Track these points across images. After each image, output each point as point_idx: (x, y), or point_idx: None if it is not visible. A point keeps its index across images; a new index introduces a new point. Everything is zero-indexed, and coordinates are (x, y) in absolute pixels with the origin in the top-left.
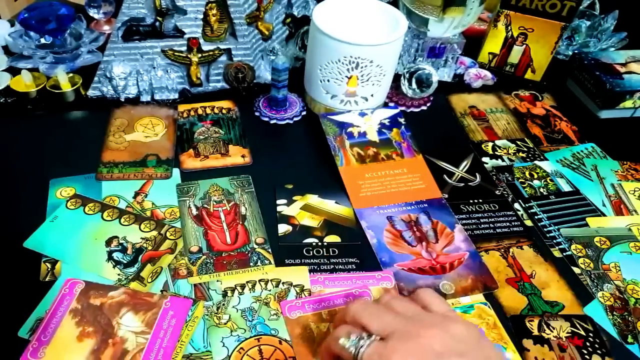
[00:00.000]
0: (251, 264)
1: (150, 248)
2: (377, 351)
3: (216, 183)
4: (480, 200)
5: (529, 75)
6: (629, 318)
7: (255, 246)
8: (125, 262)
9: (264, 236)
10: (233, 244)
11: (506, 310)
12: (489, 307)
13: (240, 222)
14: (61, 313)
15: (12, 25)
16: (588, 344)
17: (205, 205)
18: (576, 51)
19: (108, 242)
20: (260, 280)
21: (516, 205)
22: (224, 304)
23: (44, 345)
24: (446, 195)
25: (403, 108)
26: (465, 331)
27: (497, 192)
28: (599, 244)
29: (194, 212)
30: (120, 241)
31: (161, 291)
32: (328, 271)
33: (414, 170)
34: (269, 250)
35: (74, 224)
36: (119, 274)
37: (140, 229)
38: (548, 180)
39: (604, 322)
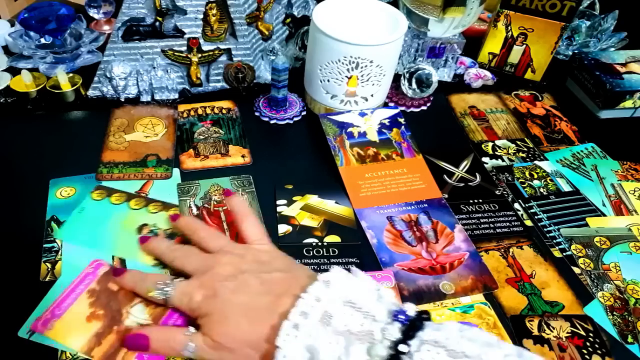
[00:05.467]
0: None
1: (180, 234)
2: (181, 290)
3: (217, 183)
4: (480, 200)
5: (529, 75)
6: (629, 318)
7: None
8: None
9: None
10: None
11: (506, 310)
12: (489, 307)
13: None
14: (80, 291)
15: (12, 25)
16: (588, 344)
17: (206, 205)
18: (576, 51)
19: (140, 230)
20: None
21: (516, 205)
22: None
23: (55, 319)
24: (446, 195)
25: (403, 108)
26: (261, 254)
27: (497, 192)
28: (599, 244)
29: (195, 211)
30: (151, 228)
31: None
32: (328, 271)
33: (414, 170)
34: (272, 245)
35: (102, 214)
36: (155, 259)
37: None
38: (548, 180)
39: (604, 322)
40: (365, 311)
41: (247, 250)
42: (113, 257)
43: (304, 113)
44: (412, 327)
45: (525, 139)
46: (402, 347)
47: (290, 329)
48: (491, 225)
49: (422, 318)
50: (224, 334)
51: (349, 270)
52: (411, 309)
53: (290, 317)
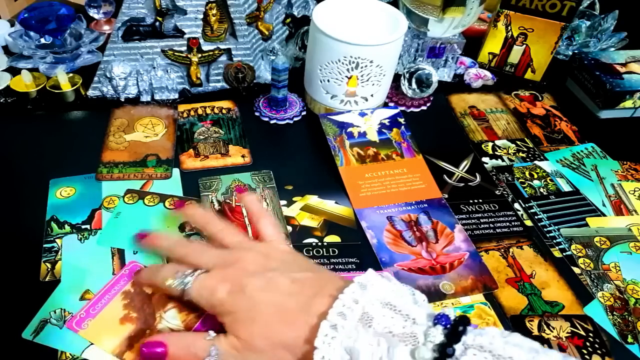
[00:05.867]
0: None
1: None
2: (201, 283)
3: (238, 178)
4: (480, 200)
5: (529, 75)
6: (629, 318)
7: None
8: (205, 242)
9: (285, 232)
10: (255, 240)
11: (506, 310)
12: (489, 307)
13: None
14: (114, 292)
15: (12, 25)
16: (588, 344)
17: (228, 201)
18: (576, 51)
19: (181, 228)
20: None
21: (516, 205)
22: None
23: (90, 318)
24: (446, 195)
25: (403, 108)
26: (283, 253)
27: (497, 192)
28: (599, 244)
29: (217, 207)
30: (193, 225)
31: None
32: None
33: (414, 170)
34: (290, 245)
35: (139, 217)
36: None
37: None
38: (548, 180)
39: (604, 322)
40: (405, 314)
41: (269, 249)
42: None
43: (304, 113)
44: (455, 331)
45: (525, 139)
46: (448, 350)
47: (328, 329)
48: (491, 225)
49: (464, 322)
50: (253, 334)
51: (349, 270)
52: (451, 313)
53: (329, 317)
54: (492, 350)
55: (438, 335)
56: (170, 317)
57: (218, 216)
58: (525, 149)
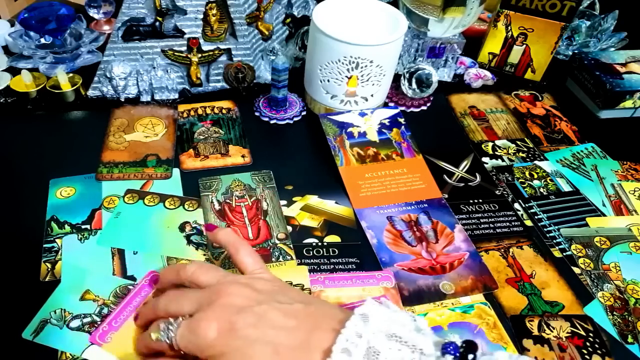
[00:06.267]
0: (273, 259)
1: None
2: (187, 328)
3: (238, 178)
4: (480, 200)
5: (529, 75)
6: (629, 318)
7: (277, 242)
8: (206, 242)
9: (286, 232)
10: (255, 239)
11: (506, 310)
12: (489, 307)
13: (262, 218)
14: (136, 303)
15: (12, 25)
16: (588, 344)
17: (228, 201)
18: (576, 51)
19: (182, 228)
20: None
21: (516, 205)
22: None
23: (113, 331)
24: (446, 195)
25: (403, 108)
26: (269, 283)
27: (497, 192)
28: (599, 244)
29: (217, 207)
30: (193, 225)
31: None
32: (328, 271)
33: (414, 170)
34: (291, 246)
35: (139, 217)
36: (204, 254)
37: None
38: (548, 180)
39: (604, 322)
40: (412, 345)
41: (252, 280)
42: (162, 257)
43: (304, 113)
44: (464, 359)
45: (525, 139)
46: None
47: None
48: (491, 225)
49: (472, 349)
50: None
51: (349, 270)
52: (457, 340)
53: (334, 355)
54: None
55: None
56: None
57: (186, 263)
58: (525, 149)
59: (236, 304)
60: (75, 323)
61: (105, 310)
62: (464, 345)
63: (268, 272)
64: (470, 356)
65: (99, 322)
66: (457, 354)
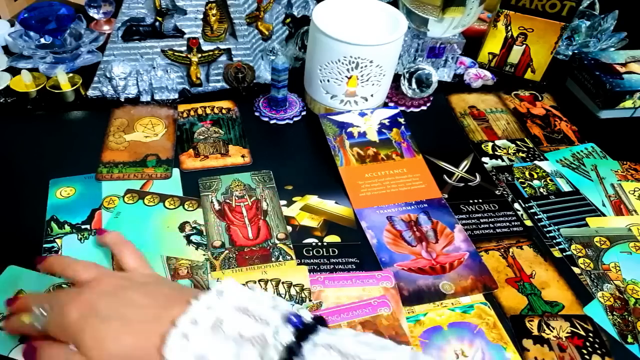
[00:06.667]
0: (272, 259)
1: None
2: (54, 312)
3: (238, 178)
4: (480, 200)
5: (528, 75)
6: (629, 318)
7: (277, 242)
8: (205, 243)
9: (285, 232)
10: (255, 239)
11: (506, 310)
12: (489, 307)
13: (262, 218)
14: None
15: (12, 25)
16: (588, 344)
17: (228, 200)
18: (576, 51)
19: (181, 228)
20: (259, 280)
21: (516, 205)
22: None
23: None
24: (446, 195)
25: (403, 108)
26: (144, 277)
27: (497, 192)
28: (598, 244)
29: (217, 207)
30: (193, 225)
31: None
32: (328, 271)
33: (414, 170)
34: (291, 246)
35: (139, 217)
36: (204, 254)
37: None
38: (548, 180)
39: (604, 322)
40: (257, 316)
41: (129, 274)
42: (161, 256)
43: (304, 113)
44: (306, 331)
45: (525, 139)
46: (294, 349)
47: (178, 338)
48: (491, 225)
49: (318, 323)
50: (103, 353)
51: (349, 270)
52: (307, 315)
53: (180, 324)
54: (340, 349)
55: (287, 335)
56: None
57: (72, 258)
58: (525, 149)
59: (102, 290)
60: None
61: None
62: (311, 320)
63: (149, 269)
64: (313, 328)
65: None
66: (300, 326)
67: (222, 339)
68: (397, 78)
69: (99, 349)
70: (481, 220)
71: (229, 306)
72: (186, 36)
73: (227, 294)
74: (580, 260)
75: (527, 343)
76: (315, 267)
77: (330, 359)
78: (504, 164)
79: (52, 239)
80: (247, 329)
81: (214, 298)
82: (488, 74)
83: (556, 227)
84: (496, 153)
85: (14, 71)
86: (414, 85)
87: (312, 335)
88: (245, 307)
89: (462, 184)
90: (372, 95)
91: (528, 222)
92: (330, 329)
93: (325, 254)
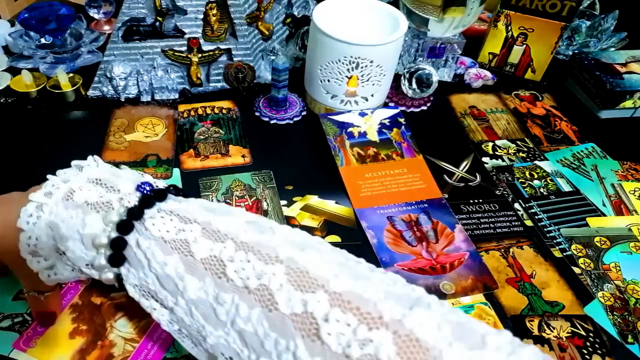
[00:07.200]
0: None
1: None
2: None
3: (238, 178)
4: (480, 200)
5: (529, 75)
6: (629, 318)
7: None
8: None
9: None
10: None
11: (506, 310)
12: (489, 307)
13: None
14: (62, 306)
15: (12, 25)
16: (588, 344)
17: (228, 201)
18: (576, 51)
19: None
20: None
21: (516, 205)
22: None
23: (38, 336)
24: (446, 195)
25: (403, 108)
26: None
27: (497, 192)
28: (599, 244)
29: None
30: None
31: None
32: None
33: (414, 170)
34: None
35: None
36: None
37: None
38: (548, 180)
39: (604, 322)
40: (110, 186)
41: None
42: None
43: (304, 113)
44: (153, 197)
45: (526, 139)
46: (134, 213)
47: (33, 209)
48: (491, 225)
49: (169, 192)
50: None
51: None
52: (161, 184)
53: (35, 197)
54: (180, 213)
55: (133, 200)
56: (121, 326)
57: None
58: (525, 149)
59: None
60: (5, 323)
61: None
62: (162, 187)
63: None
64: (162, 196)
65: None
66: (149, 193)
67: (71, 207)
68: (397, 78)
69: None
70: (481, 220)
71: (83, 178)
72: (186, 36)
73: (86, 169)
74: (581, 260)
75: (528, 343)
76: None
77: (168, 223)
78: (504, 164)
79: None
80: (95, 196)
81: (72, 172)
82: (488, 74)
83: (556, 227)
84: (496, 153)
85: (14, 71)
86: (414, 85)
87: (159, 203)
88: (99, 179)
89: (463, 184)
90: (372, 95)
91: (528, 222)
92: (183, 198)
93: None
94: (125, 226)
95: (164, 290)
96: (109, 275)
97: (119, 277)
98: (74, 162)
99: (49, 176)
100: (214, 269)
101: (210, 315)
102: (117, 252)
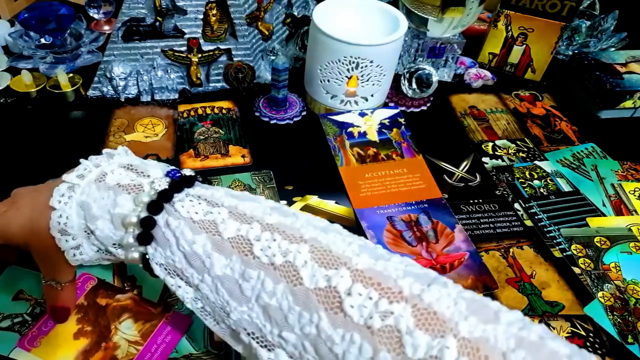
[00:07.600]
0: None
1: None
2: None
3: (238, 178)
4: (480, 200)
5: (529, 75)
6: (629, 318)
7: None
8: None
9: None
10: None
11: None
12: None
13: None
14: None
15: (12, 25)
16: (588, 344)
17: None
18: (576, 51)
19: None
20: None
21: (516, 205)
22: None
23: (43, 336)
24: (446, 195)
25: (403, 108)
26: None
27: (497, 192)
28: (599, 244)
29: None
30: None
31: (167, 300)
32: None
33: (414, 170)
34: None
35: None
36: None
37: None
38: (548, 180)
39: (604, 322)
40: (140, 171)
41: None
42: None
43: (304, 113)
44: (182, 182)
45: (525, 139)
46: (165, 195)
47: (65, 190)
48: (491, 225)
49: (196, 179)
50: (11, 220)
51: None
52: (189, 172)
53: (68, 178)
54: (208, 198)
55: (163, 184)
56: (126, 328)
57: None
58: (525, 149)
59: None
60: (5, 323)
61: (37, 310)
62: (190, 174)
63: None
64: (190, 182)
65: (30, 324)
66: (177, 179)
67: (103, 188)
68: (397, 78)
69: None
70: (481, 220)
71: (115, 163)
72: (186, 36)
73: (117, 156)
74: (581, 260)
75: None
76: None
77: (196, 205)
78: (504, 164)
79: None
80: (127, 180)
81: (104, 158)
82: (488, 74)
83: (556, 227)
84: (496, 153)
85: (14, 71)
86: (414, 85)
87: (187, 188)
88: (131, 164)
89: (462, 184)
90: (372, 95)
91: (528, 222)
92: (207, 187)
93: None
94: (155, 206)
95: (191, 267)
96: (134, 254)
97: (144, 257)
98: (105, 150)
99: (81, 160)
100: (241, 247)
101: (235, 291)
102: (146, 231)
